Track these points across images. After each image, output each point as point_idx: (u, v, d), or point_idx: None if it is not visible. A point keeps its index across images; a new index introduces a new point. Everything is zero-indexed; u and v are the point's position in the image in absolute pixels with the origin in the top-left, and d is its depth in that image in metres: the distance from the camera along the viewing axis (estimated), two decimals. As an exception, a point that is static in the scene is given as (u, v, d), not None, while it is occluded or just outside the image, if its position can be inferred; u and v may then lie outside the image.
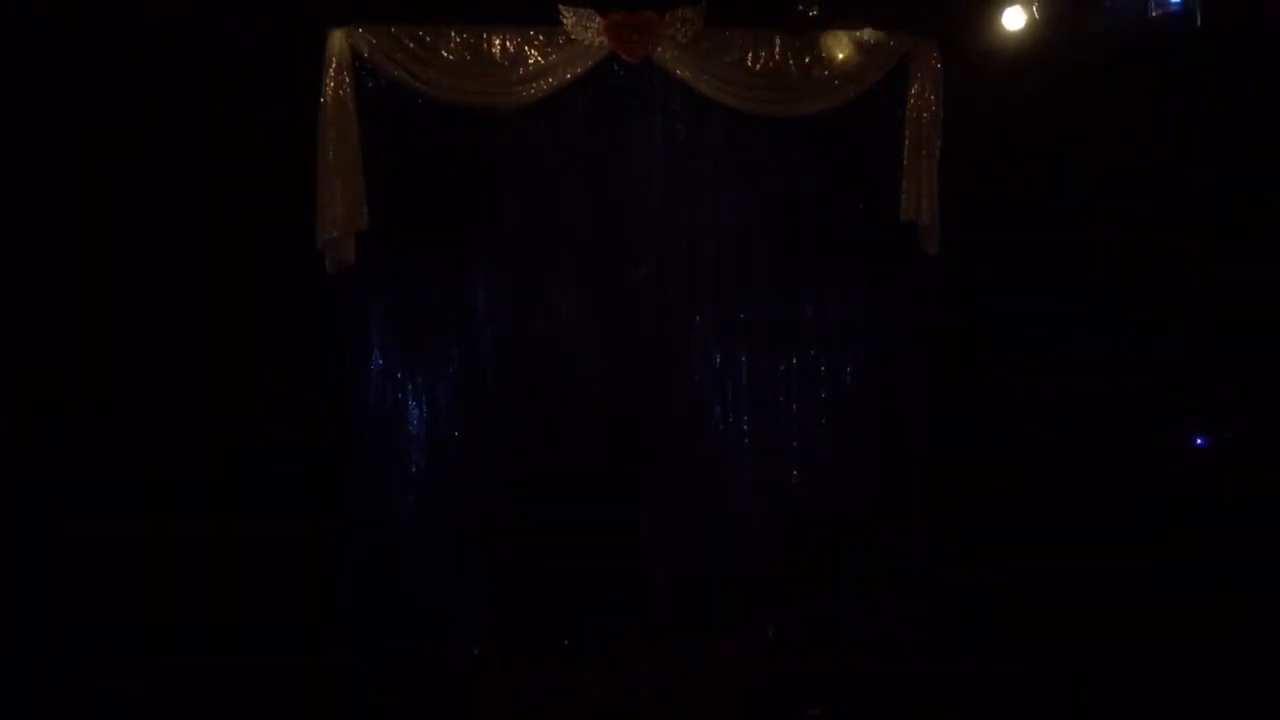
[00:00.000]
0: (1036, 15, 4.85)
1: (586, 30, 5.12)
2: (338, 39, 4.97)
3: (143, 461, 4.81)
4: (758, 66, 5.26)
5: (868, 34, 5.29)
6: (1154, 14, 4.44)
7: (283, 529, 4.84)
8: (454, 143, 5.15)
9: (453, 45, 5.07)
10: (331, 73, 4.95)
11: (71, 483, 4.75)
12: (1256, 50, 4.80)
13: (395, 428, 5.17)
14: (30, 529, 4.70)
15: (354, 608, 5.01)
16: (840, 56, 5.25)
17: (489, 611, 5.14)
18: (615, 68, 5.21)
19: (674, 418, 5.35)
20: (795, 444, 5.42)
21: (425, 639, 5.05)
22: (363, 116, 5.02)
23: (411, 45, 5.03)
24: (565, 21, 5.11)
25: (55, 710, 4.34)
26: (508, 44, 5.11)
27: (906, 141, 5.31)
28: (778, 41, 5.24)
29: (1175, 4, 4.63)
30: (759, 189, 5.39)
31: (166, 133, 4.88)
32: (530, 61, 5.12)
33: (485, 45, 5.10)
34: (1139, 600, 4.86)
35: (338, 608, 4.97)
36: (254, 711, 4.38)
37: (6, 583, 4.62)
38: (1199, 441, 5.35)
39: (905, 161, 5.31)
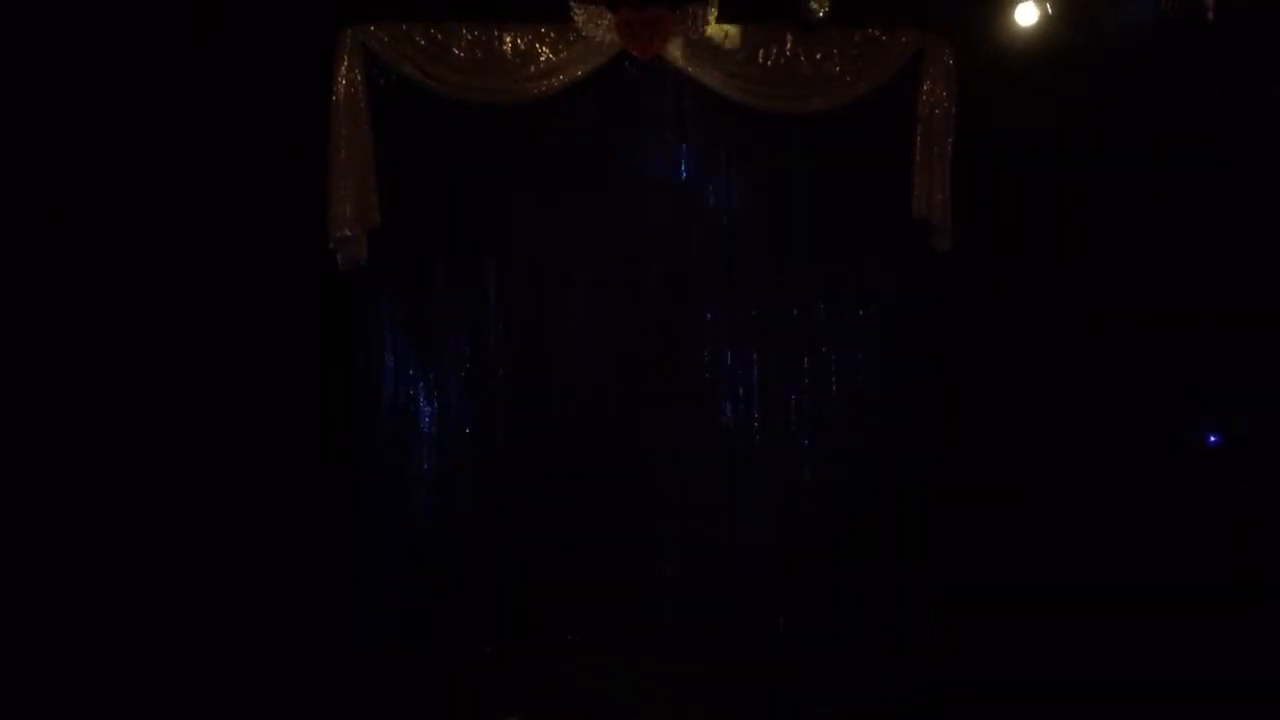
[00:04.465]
0: (1050, 10, 4.83)
1: (597, 27, 5.11)
2: (349, 37, 4.97)
3: (145, 460, 4.83)
4: (769, 63, 5.24)
5: (880, 30, 5.26)
6: (1168, 6, 4.42)
7: (291, 526, 4.88)
8: (465, 140, 5.13)
9: (464, 42, 5.06)
10: (343, 70, 4.94)
11: (76, 481, 4.76)
12: (1271, 42, 4.79)
13: (407, 425, 5.16)
14: (34, 529, 4.72)
15: (364, 604, 5.02)
16: (852, 53, 5.23)
17: (499, 610, 5.13)
18: (626, 64, 5.20)
19: (685, 415, 5.34)
20: (806, 442, 5.40)
21: (435, 636, 5.05)
22: (374, 114, 5.01)
23: (423, 42, 5.03)
24: (576, 18, 5.10)
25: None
26: (519, 41, 5.10)
27: (918, 138, 5.29)
28: (789, 38, 5.22)
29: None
30: (770, 185, 5.38)
31: (176, 131, 4.88)
32: (541, 59, 5.11)
33: (496, 42, 5.09)
34: (1146, 591, 4.84)
35: (348, 603, 4.98)
36: (254, 707, 4.39)
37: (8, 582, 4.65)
38: (1211, 439, 5.33)
39: (917, 158, 5.29)
